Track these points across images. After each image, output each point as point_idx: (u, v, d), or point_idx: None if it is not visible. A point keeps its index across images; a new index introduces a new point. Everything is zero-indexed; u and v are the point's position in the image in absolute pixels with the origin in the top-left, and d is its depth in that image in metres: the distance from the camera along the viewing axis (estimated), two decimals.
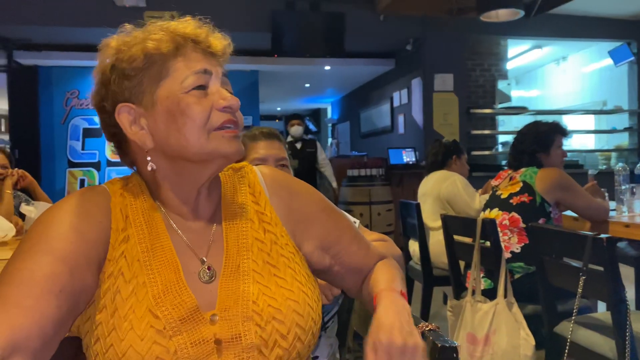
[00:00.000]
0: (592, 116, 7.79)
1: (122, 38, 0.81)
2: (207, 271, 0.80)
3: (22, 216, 2.44)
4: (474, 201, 3.12)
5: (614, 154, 6.79)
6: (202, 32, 0.82)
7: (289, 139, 5.41)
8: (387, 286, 0.87)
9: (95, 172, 6.46)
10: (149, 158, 0.80)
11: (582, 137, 7.85)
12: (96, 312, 0.74)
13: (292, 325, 0.77)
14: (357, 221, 1.64)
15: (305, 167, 5.29)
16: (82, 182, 6.44)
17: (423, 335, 0.79)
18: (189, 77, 0.78)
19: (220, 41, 0.83)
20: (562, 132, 2.48)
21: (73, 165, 6.41)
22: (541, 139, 2.43)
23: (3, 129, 9.31)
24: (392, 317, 0.79)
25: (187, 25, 0.81)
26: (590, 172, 2.86)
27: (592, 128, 7.78)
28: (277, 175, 0.94)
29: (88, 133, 6.38)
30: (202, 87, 0.79)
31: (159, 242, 0.79)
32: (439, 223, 2.85)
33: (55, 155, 6.36)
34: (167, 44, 0.78)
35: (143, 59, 0.77)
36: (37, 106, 6.28)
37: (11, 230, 2.18)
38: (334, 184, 5.62)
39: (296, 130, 5.41)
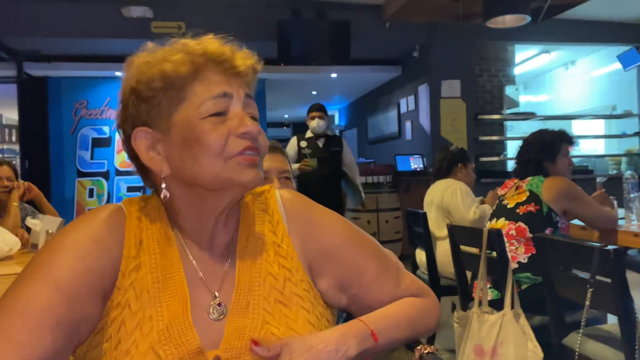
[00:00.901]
0: (601, 121, 7.73)
1: (145, 57, 0.77)
2: (218, 307, 0.76)
3: (28, 229, 2.45)
4: (468, 213, 3.08)
5: (624, 159, 6.73)
6: (224, 51, 0.77)
7: (309, 134, 4.39)
8: (371, 322, 0.79)
9: (104, 181, 6.50)
10: (163, 185, 0.76)
11: (592, 142, 7.78)
12: (103, 340, 0.72)
13: None
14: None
15: (329, 170, 4.29)
16: (90, 191, 6.48)
17: (421, 358, 0.78)
18: (206, 102, 0.74)
19: (244, 60, 0.78)
20: (568, 140, 2.45)
21: (82, 175, 6.46)
22: (547, 147, 2.41)
23: (14, 139, 9.40)
24: (329, 344, 0.73)
25: (209, 43, 0.77)
26: (598, 180, 2.82)
27: (602, 133, 7.73)
28: (297, 200, 0.87)
29: (97, 143, 6.43)
30: (221, 114, 0.75)
31: (171, 273, 0.76)
32: (444, 232, 2.83)
33: (65, 165, 6.41)
34: (186, 65, 0.74)
35: (160, 81, 0.74)
36: (47, 116, 6.34)
37: (16, 244, 2.19)
38: (363, 195, 4.61)
39: (317, 124, 4.31)
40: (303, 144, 4.35)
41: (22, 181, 2.89)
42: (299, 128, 5.03)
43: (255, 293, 0.77)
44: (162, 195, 0.77)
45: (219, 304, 0.76)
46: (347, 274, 0.84)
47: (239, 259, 0.80)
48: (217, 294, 0.77)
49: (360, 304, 0.85)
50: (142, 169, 0.80)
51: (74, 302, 0.69)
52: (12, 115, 8.17)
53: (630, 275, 1.85)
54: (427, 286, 0.93)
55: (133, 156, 0.79)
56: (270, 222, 0.84)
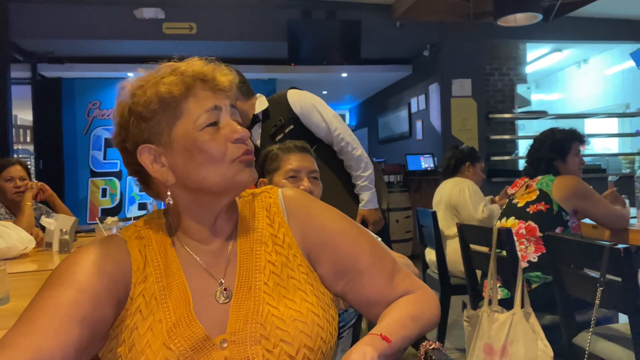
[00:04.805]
0: (615, 119, 7.65)
1: (136, 82, 0.86)
2: (224, 292, 0.85)
3: (43, 228, 2.49)
4: (477, 212, 3.08)
5: (637, 158, 6.65)
6: (208, 70, 0.87)
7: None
8: (377, 330, 0.84)
9: (116, 181, 6.57)
10: (169, 193, 0.86)
11: (605, 141, 7.71)
12: (117, 345, 0.80)
13: (300, 345, 0.80)
14: (379, 239, 1.63)
15: None
16: (104, 191, 6.55)
17: (426, 354, 0.79)
18: (202, 115, 0.84)
19: (226, 76, 0.89)
20: (579, 139, 2.44)
21: (95, 174, 6.53)
22: (558, 146, 2.40)
23: (28, 139, 9.53)
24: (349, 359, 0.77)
25: (194, 65, 0.87)
26: (610, 178, 2.80)
27: (615, 131, 7.65)
28: (298, 197, 0.96)
29: (109, 143, 6.49)
30: (215, 124, 0.85)
31: (174, 279, 0.85)
32: (454, 231, 2.83)
33: (78, 165, 6.49)
34: (178, 86, 0.83)
35: (157, 102, 0.83)
36: (61, 117, 6.43)
37: (31, 243, 2.23)
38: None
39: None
40: None
41: (36, 181, 2.94)
42: None
43: (256, 279, 0.86)
44: (167, 201, 0.87)
45: (225, 289, 0.85)
46: (342, 261, 0.91)
47: (240, 250, 0.89)
48: (222, 280, 0.86)
49: (356, 291, 0.91)
50: (145, 182, 0.91)
51: (96, 303, 0.77)
52: (26, 116, 8.28)
53: None
54: (420, 280, 0.97)
55: (136, 171, 0.89)
56: (268, 216, 0.93)
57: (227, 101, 0.88)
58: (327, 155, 2.33)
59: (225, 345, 0.78)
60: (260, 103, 2.37)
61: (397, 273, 0.94)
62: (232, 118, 0.88)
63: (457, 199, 3.17)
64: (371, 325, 1.01)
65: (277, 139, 2.26)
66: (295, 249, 0.90)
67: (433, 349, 0.80)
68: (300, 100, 2.32)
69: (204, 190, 0.85)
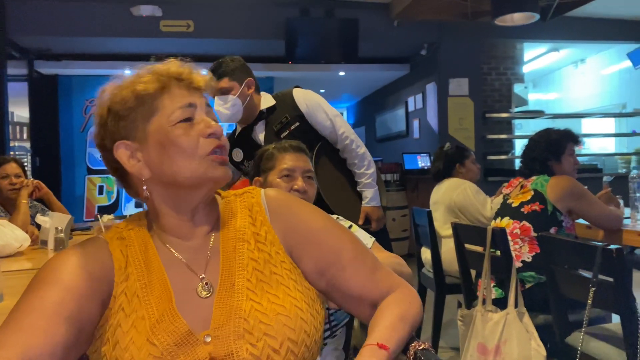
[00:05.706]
0: (611, 119, 7.67)
1: (115, 84, 0.90)
2: (205, 286, 0.86)
3: (38, 226, 2.49)
4: (485, 209, 3.09)
5: (634, 158, 6.67)
6: (184, 71, 0.90)
7: (239, 129, 2.44)
8: (373, 339, 0.85)
9: (113, 178, 6.55)
10: (144, 187, 0.88)
11: (601, 141, 7.73)
12: (102, 344, 0.81)
13: (284, 339, 0.81)
14: (373, 238, 1.64)
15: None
16: (100, 188, 6.54)
17: (415, 354, 0.80)
18: (175, 111, 0.86)
19: (201, 77, 0.91)
20: (574, 140, 2.45)
21: (92, 172, 6.53)
22: (553, 146, 2.41)
23: (25, 136, 9.50)
24: None
25: (171, 65, 0.90)
26: (604, 179, 2.82)
27: (612, 131, 7.67)
28: (280, 196, 0.98)
29: None
30: (188, 120, 0.87)
31: (155, 276, 0.86)
32: (450, 231, 2.84)
33: (75, 162, 6.49)
34: (154, 84, 0.87)
35: (134, 100, 0.86)
36: (57, 114, 6.42)
37: (26, 241, 2.23)
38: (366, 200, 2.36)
39: (221, 108, 2.28)
40: (236, 155, 2.40)
41: (32, 179, 2.93)
42: None
43: (239, 276, 0.87)
44: (143, 194, 0.89)
45: (206, 283, 0.86)
46: (325, 256, 0.92)
47: (222, 248, 0.90)
48: (203, 275, 0.87)
49: (339, 287, 0.92)
50: (124, 180, 0.93)
51: (81, 301, 0.79)
52: (23, 113, 8.25)
53: (637, 275, 1.85)
54: (400, 277, 0.98)
55: (114, 168, 0.91)
56: (250, 215, 0.95)
57: (202, 100, 0.90)
58: (331, 153, 2.37)
59: (209, 340, 0.79)
60: (266, 100, 2.41)
61: (378, 269, 0.96)
62: (208, 117, 0.89)
63: (462, 201, 3.14)
64: (363, 324, 1.01)
65: (282, 136, 2.30)
66: (277, 246, 0.91)
67: (422, 349, 0.81)
68: (305, 98, 2.37)
69: (178, 184, 0.87)
